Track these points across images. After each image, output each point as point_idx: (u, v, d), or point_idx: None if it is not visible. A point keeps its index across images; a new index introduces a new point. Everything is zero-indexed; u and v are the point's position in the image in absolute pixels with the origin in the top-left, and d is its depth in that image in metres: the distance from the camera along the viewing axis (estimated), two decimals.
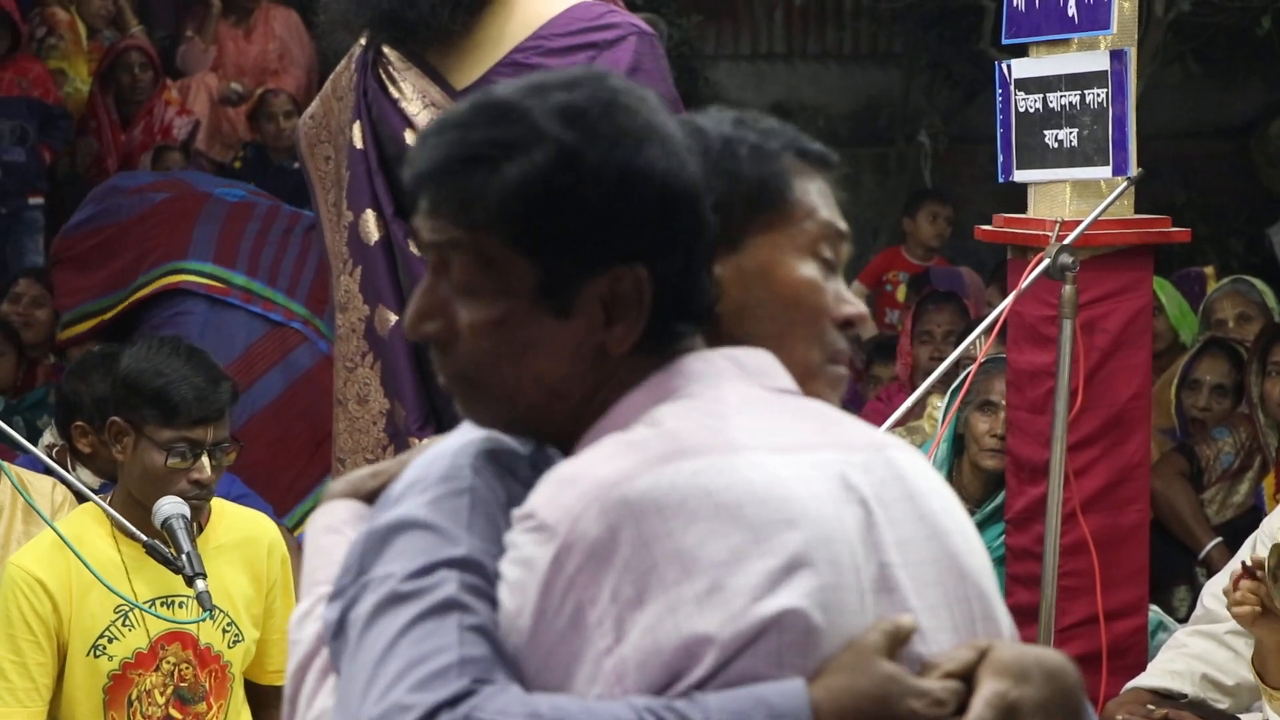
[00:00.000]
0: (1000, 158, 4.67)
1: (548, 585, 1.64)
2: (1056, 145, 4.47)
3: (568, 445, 1.76)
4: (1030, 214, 4.67)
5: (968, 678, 1.69)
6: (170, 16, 10.46)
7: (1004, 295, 4.67)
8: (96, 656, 3.76)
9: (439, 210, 1.75)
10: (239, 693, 3.93)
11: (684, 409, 1.72)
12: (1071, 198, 4.52)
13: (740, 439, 1.70)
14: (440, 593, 1.65)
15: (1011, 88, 4.62)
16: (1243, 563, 4.01)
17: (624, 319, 1.73)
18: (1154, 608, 4.97)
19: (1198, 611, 4.44)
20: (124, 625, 3.77)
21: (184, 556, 3.57)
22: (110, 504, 3.78)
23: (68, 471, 4.06)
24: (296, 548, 5.00)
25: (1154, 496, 5.21)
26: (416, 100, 3.89)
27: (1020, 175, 4.64)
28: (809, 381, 1.85)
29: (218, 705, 3.87)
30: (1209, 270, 8.57)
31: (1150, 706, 4.28)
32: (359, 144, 3.95)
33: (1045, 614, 4.33)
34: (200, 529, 3.84)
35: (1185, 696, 4.30)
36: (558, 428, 1.76)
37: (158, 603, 3.77)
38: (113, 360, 4.03)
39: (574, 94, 1.74)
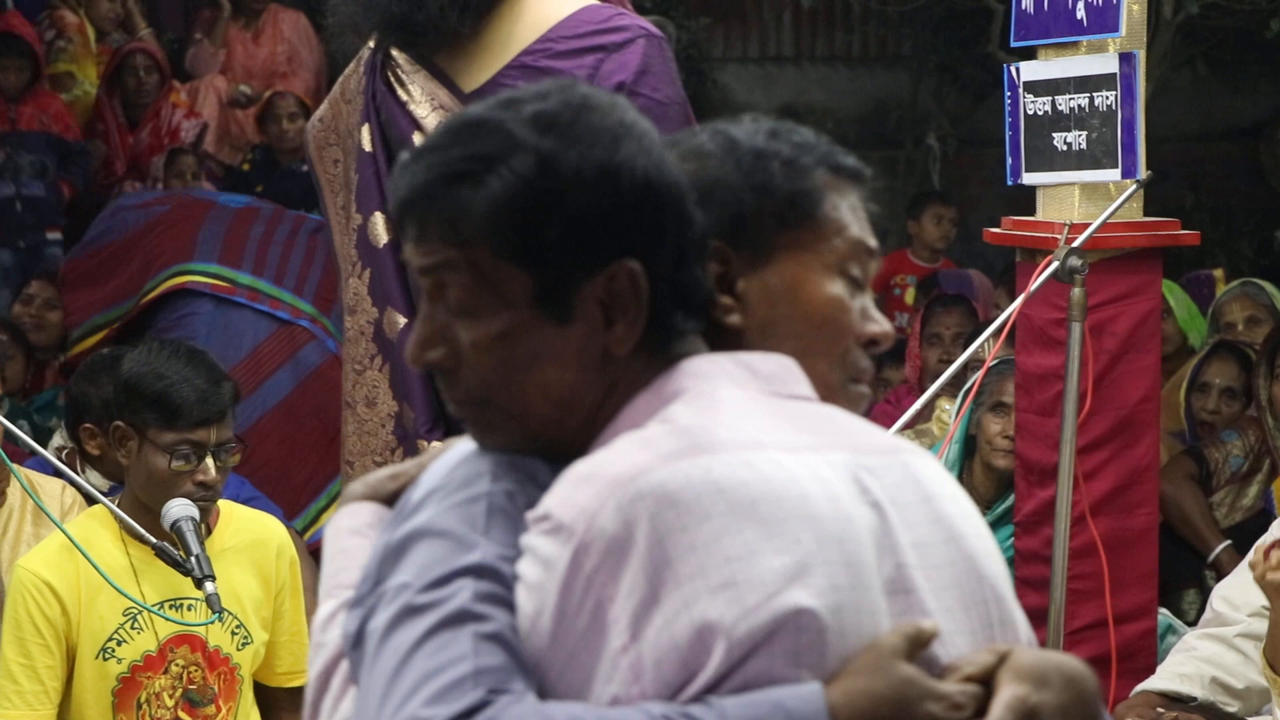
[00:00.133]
0: (1009, 160, 4.66)
1: (567, 585, 1.64)
2: (1065, 148, 4.47)
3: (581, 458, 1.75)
4: (1039, 217, 4.67)
5: (986, 682, 1.69)
6: (179, 19, 10.47)
7: (1013, 298, 4.66)
8: (105, 659, 3.76)
9: (427, 233, 1.75)
10: (248, 695, 3.93)
11: (696, 408, 1.72)
12: (1080, 200, 4.52)
13: (754, 437, 1.70)
14: (455, 603, 1.65)
15: (1020, 90, 4.61)
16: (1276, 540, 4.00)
17: (623, 316, 1.74)
18: (1163, 611, 4.96)
19: (1207, 614, 4.43)
20: (133, 628, 3.77)
21: (193, 558, 3.57)
22: (118, 507, 3.78)
23: (77, 474, 4.07)
24: (305, 550, 5.01)
25: (1163, 499, 5.20)
26: (425, 103, 3.89)
27: (1029, 178, 4.63)
28: (830, 399, 1.85)
29: (226, 708, 3.87)
30: (1218, 273, 8.57)
31: (1159, 710, 4.28)
32: (368, 146, 3.95)
33: (1054, 617, 4.33)
34: (209, 531, 3.84)
35: (1195, 699, 4.29)
36: (570, 442, 1.75)
37: (166, 605, 3.78)
38: (120, 363, 4.04)
39: (545, 103, 1.75)
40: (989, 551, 1.80)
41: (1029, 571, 4.62)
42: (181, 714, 3.82)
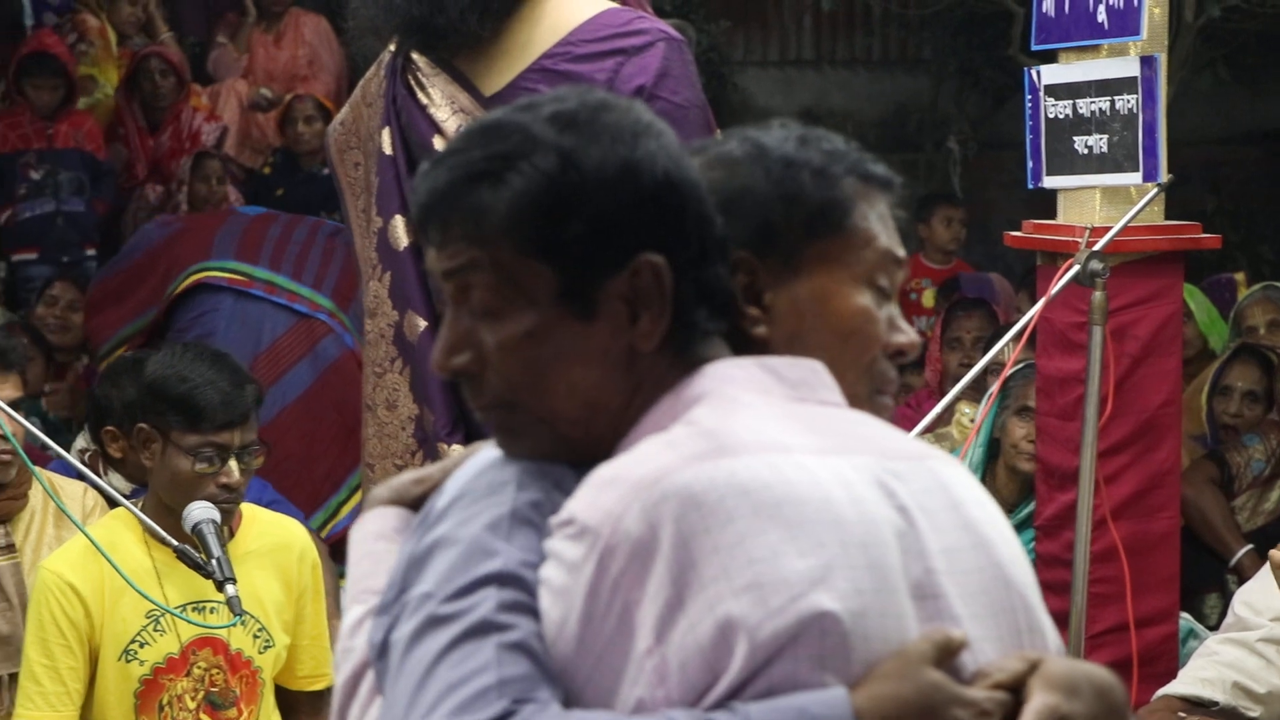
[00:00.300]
0: (1029, 164, 4.66)
1: (593, 589, 1.64)
2: (1086, 151, 4.46)
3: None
4: (1060, 220, 4.66)
5: (1015, 689, 1.68)
6: (201, 23, 10.49)
7: (1033, 301, 4.66)
8: (128, 661, 3.77)
9: (450, 235, 1.76)
10: (269, 698, 3.94)
11: (720, 411, 1.72)
12: (1101, 204, 4.51)
13: (778, 440, 1.69)
14: (478, 614, 1.65)
15: (1041, 94, 4.61)
16: None
17: (647, 310, 1.74)
18: (1185, 615, 4.96)
19: (1229, 619, 4.42)
20: (155, 630, 3.78)
21: (214, 561, 3.58)
22: (142, 510, 3.79)
23: (99, 476, 4.08)
24: (325, 550, 5.02)
25: (1184, 503, 5.20)
26: (445, 106, 3.89)
27: (1050, 181, 4.63)
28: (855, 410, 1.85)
29: (248, 711, 3.87)
30: (1239, 276, 8.54)
31: (1181, 714, 4.27)
32: (388, 150, 3.96)
33: (1075, 621, 4.32)
34: (231, 534, 3.85)
35: (1216, 704, 4.29)
36: (596, 445, 1.75)
37: (189, 608, 3.78)
38: (143, 366, 4.05)
39: (564, 104, 1.76)
40: (1017, 559, 1.79)
41: (1050, 575, 4.61)
42: (203, 716, 3.82)
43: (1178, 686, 4.35)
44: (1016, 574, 1.78)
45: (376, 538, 1.91)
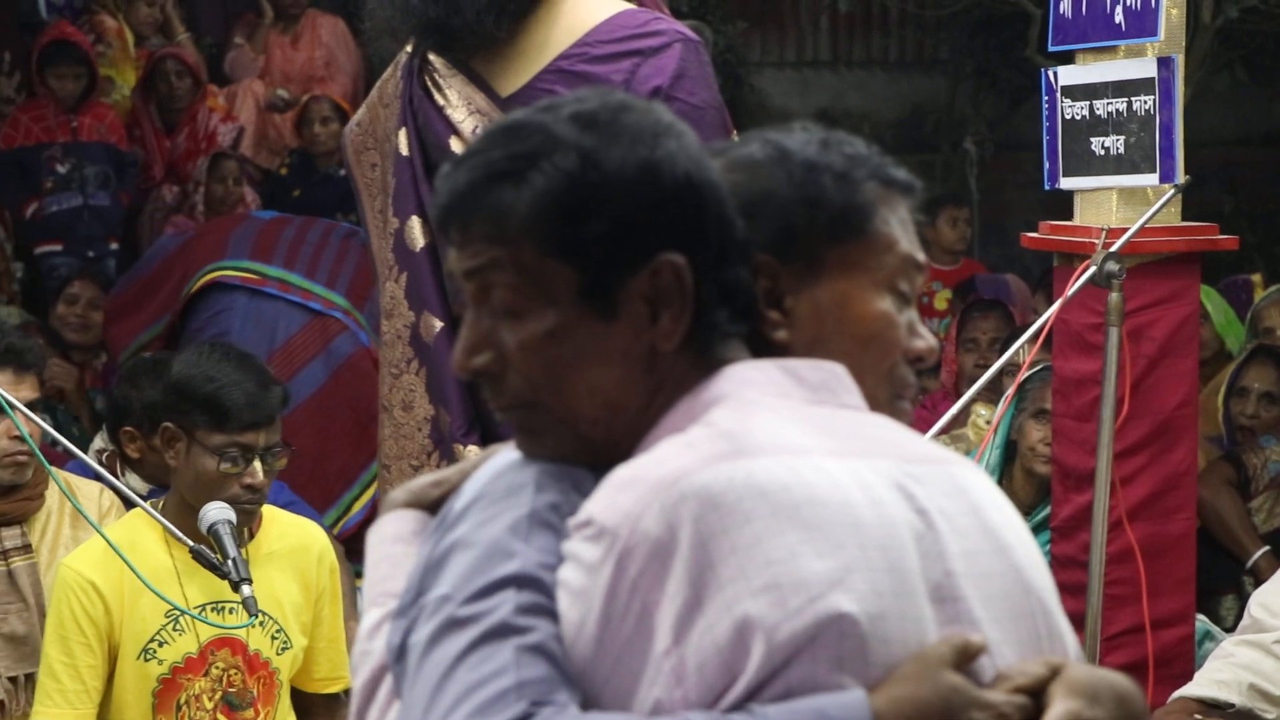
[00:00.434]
0: (1046, 165, 4.65)
1: (612, 591, 1.64)
2: (1103, 152, 4.46)
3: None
4: (1076, 221, 4.66)
5: (1035, 694, 1.68)
6: (218, 24, 10.50)
7: (1050, 303, 4.65)
8: (146, 660, 3.78)
9: (471, 235, 1.76)
10: (285, 699, 3.95)
11: (739, 413, 1.72)
12: (1118, 205, 4.50)
13: (797, 442, 1.69)
14: (496, 616, 1.65)
15: (1058, 95, 4.60)
16: None
17: (668, 309, 1.74)
18: (1201, 617, 4.95)
19: (1245, 621, 4.42)
20: (174, 629, 3.79)
21: (229, 562, 3.58)
22: (163, 509, 3.80)
23: (116, 477, 4.09)
24: (341, 549, 5.03)
25: (1201, 505, 5.19)
26: (462, 107, 3.90)
27: (1066, 182, 4.62)
28: None
29: (265, 711, 3.88)
30: (1256, 278, 8.52)
31: (1197, 716, 4.26)
32: (405, 151, 3.96)
33: (1091, 623, 4.32)
34: (252, 535, 3.86)
35: (1232, 706, 4.28)
36: (616, 446, 1.75)
37: (208, 608, 3.79)
38: (163, 367, 4.06)
39: (584, 104, 1.77)
40: (1036, 563, 1.79)
41: (1066, 576, 4.60)
42: (220, 716, 3.83)
43: (1193, 688, 4.35)
44: (1035, 578, 1.78)
45: (394, 540, 1.91)
